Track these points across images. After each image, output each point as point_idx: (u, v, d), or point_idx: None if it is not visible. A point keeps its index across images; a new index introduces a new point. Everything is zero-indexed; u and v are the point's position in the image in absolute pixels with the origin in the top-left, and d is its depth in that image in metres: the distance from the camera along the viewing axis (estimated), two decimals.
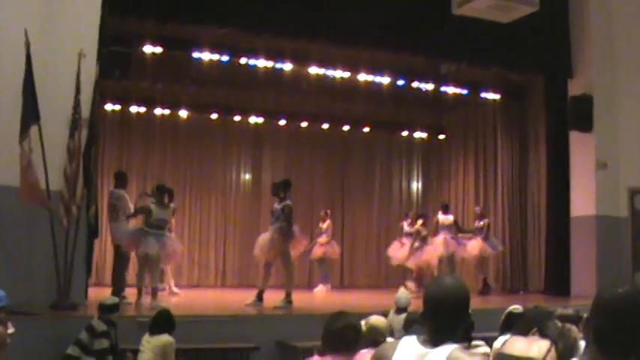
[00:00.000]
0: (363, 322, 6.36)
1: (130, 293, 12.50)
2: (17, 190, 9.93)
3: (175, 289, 15.50)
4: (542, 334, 5.36)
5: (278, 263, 13.31)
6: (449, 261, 17.15)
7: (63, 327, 9.45)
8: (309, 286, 18.58)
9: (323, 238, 18.19)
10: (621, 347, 2.45)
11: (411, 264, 16.84)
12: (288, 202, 13.03)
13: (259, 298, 12.82)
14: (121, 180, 13.69)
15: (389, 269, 19.84)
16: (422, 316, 3.24)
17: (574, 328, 5.26)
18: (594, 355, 2.50)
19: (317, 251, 18.13)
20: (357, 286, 20.13)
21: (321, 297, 17.04)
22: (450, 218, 17.27)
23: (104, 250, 17.43)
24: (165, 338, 8.52)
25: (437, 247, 16.72)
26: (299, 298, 12.97)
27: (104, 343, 8.69)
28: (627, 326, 2.45)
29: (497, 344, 5.80)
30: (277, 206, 13.14)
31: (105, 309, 8.97)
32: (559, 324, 5.32)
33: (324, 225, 18.36)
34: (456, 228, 17.22)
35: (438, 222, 17.26)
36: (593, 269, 15.13)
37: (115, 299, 9.59)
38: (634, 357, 2.44)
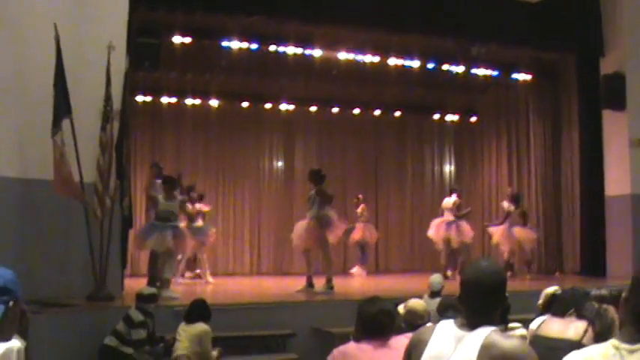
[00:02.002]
0: (402, 306, 6.36)
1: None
2: (52, 184, 10.01)
3: (210, 279, 15.57)
4: (579, 315, 5.33)
5: (316, 249, 13.35)
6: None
7: (99, 318, 9.55)
8: (345, 271, 18.61)
9: (360, 222, 18.34)
10: None
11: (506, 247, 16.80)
12: (321, 186, 13.05)
13: (310, 284, 12.91)
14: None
15: (423, 253, 19.82)
16: (458, 299, 3.24)
17: (611, 308, 5.21)
18: (632, 335, 2.47)
19: (355, 235, 18.24)
20: (391, 270, 20.12)
21: (359, 278, 17.12)
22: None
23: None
24: (201, 327, 8.57)
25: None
26: (335, 284, 12.98)
27: (142, 334, 8.77)
28: None
29: (533, 326, 5.77)
30: (312, 192, 13.17)
31: (142, 299, 9.04)
32: (596, 305, 5.29)
33: (359, 209, 18.41)
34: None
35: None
36: (629, 249, 14.99)
37: (153, 290, 9.67)
38: None
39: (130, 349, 8.70)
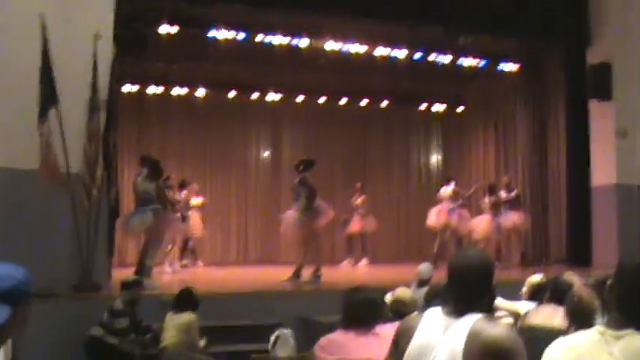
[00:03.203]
0: (389, 295, 6.38)
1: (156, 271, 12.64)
2: (38, 174, 9.99)
3: (168, 269, 15.43)
4: (562, 304, 5.37)
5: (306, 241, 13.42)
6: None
7: (86, 308, 9.55)
8: (332, 261, 18.64)
9: (360, 213, 18.36)
10: None
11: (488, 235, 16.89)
12: (304, 175, 13.17)
13: (297, 274, 12.98)
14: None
15: (410, 243, 19.89)
16: (445, 287, 3.26)
17: (594, 296, 5.24)
18: (618, 321, 2.50)
19: (354, 226, 18.31)
20: (379, 260, 20.14)
21: (363, 271, 17.26)
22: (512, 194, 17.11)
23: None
24: (188, 316, 8.57)
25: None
26: (322, 273, 13.03)
27: (123, 323, 8.76)
28: None
29: (522, 310, 5.81)
30: (295, 181, 13.19)
31: (125, 286, 9.03)
32: (578, 295, 5.31)
33: (359, 200, 18.38)
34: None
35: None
36: (615, 238, 15.05)
37: (136, 277, 9.66)
38: None
39: (115, 339, 8.70)
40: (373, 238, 20.34)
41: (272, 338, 7.97)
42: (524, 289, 6.79)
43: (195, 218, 16.55)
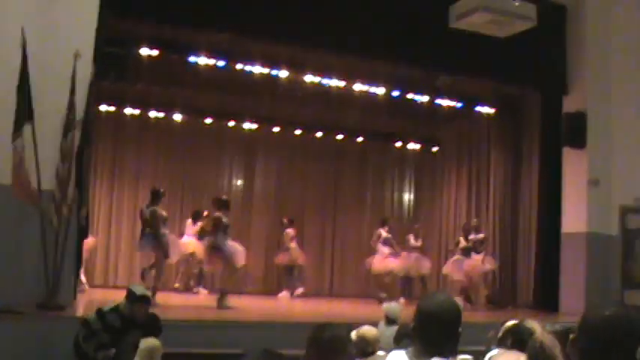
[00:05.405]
0: (354, 333, 6.37)
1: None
2: (7, 188, 9.92)
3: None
4: (523, 350, 5.36)
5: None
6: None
7: (49, 327, 9.43)
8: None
9: (288, 245, 18.53)
10: None
11: (458, 276, 17.01)
12: (154, 207, 13.60)
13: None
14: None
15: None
16: (413, 329, 3.26)
17: (555, 343, 5.24)
18: None
19: (282, 258, 18.54)
20: (346, 295, 20.10)
21: (287, 300, 17.26)
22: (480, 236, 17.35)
23: (94, 252, 17.53)
24: (152, 341, 8.48)
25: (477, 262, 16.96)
26: (287, 305, 13.00)
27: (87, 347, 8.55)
28: (612, 349, 2.46)
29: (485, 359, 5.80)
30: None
31: (133, 298, 8.70)
32: (539, 341, 5.30)
33: (288, 232, 18.55)
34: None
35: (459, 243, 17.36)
36: (582, 286, 15.14)
37: (147, 292, 9.21)
38: None
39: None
40: (341, 272, 20.36)
41: None
42: (499, 334, 6.78)
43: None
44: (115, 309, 8.57)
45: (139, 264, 17.20)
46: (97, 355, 8.32)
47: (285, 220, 18.82)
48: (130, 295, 8.65)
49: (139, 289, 8.94)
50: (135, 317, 8.56)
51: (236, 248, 13.91)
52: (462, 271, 16.78)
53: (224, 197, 15.08)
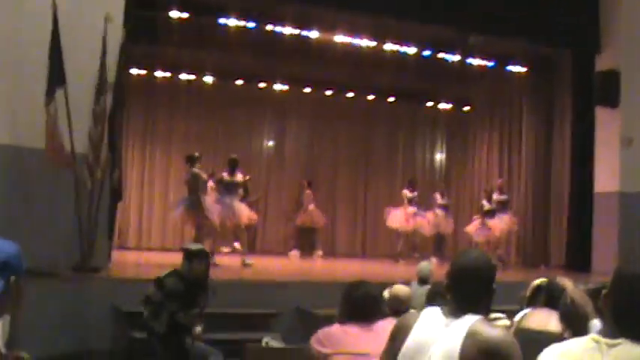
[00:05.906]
0: (386, 291, 6.39)
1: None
2: (42, 152, 9.98)
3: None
4: (556, 308, 5.36)
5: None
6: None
7: (84, 289, 9.54)
8: (333, 253, 18.77)
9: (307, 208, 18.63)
10: (639, 323, 2.46)
11: (480, 238, 17.10)
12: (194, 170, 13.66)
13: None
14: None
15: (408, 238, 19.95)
16: (447, 286, 3.28)
17: (586, 300, 5.24)
18: (612, 330, 2.51)
19: (303, 220, 18.67)
20: (378, 255, 20.13)
21: (295, 262, 17.24)
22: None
23: (128, 215, 17.72)
24: None
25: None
26: (320, 265, 13.05)
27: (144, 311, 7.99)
28: None
29: (517, 318, 5.81)
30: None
31: (191, 255, 8.20)
32: (570, 297, 5.30)
33: (307, 194, 18.66)
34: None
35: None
36: (614, 245, 15.05)
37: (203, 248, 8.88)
38: None
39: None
40: (372, 232, 20.35)
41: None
42: (527, 293, 6.78)
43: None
44: (173, 273, 8.07)
45: (171, 227, 17.38)
46: (178, 318, 7.82)
47: (304, 182, 18.88)
48: (187, 254, 8.17)
49: (195, 245, 8.71)
50: (196, 276, 8.05)
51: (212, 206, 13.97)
52: (484, 232, 16.78)
53: (233, 156, 15.10)
